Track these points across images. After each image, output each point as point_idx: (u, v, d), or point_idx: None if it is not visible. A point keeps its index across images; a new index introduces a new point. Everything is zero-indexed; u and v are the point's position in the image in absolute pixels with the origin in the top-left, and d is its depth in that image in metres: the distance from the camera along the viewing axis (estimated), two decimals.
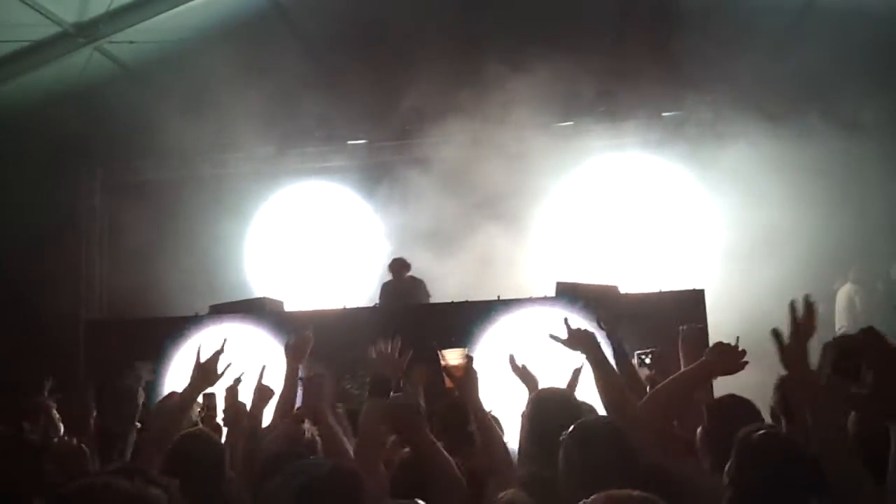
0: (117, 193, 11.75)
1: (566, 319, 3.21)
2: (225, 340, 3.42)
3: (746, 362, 2.91)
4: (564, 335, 3.18)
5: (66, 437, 3.76)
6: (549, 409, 3.03)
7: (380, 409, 3.01)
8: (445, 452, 2.88)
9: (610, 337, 4.01)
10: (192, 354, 3.38)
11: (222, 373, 3.35)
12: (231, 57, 10.01)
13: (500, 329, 7.20)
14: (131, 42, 10.45)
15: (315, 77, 10.93)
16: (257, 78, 10.21)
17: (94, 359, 7.69)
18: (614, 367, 3.23)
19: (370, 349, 3.31)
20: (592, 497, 1.58)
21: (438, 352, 3.35)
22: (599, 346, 3.15)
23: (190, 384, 3.34)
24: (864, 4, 9.35)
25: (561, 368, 4.11)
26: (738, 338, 3.07)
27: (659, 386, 3.10)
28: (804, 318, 2.36)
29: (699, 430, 2.96)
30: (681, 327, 3.95)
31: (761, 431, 2.45)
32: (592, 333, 3.17)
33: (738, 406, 2.94)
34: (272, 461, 3.22)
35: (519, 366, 3.99)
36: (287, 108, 11.02)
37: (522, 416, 3.11)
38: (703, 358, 2.95)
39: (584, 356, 3.14)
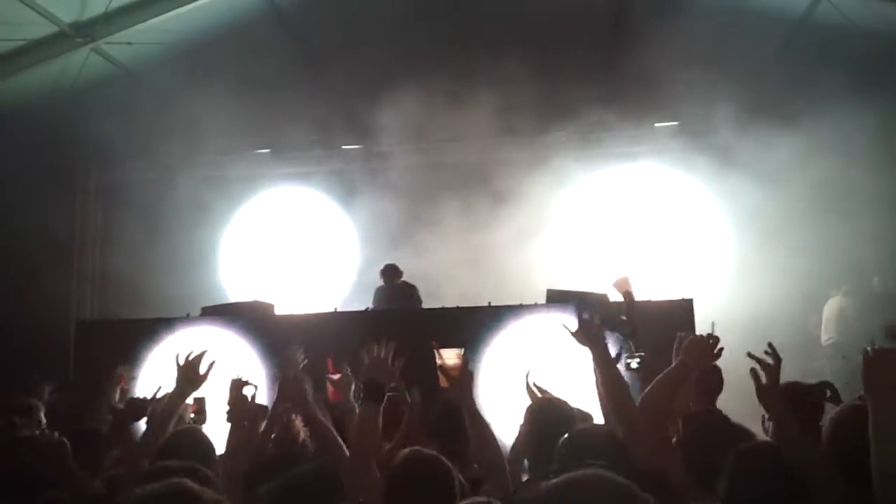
0: (112, 194, 11.76)
1: (579, 311, 3.20)
2: (207, 344, 3.45)
3: (719, 354, 3.01)
4: (574, 327, 3.17)
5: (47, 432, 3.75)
6: (546, 419, 3.08)
7: (375, 413, 3.03)
8: (332, 428, 3.04)
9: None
10: (173, 359, 3.37)
11: (206, 374, 3.35)
12: (226, 60, 10.08)
13: (496, 335, 7.24)
14: (129, 43, 10.48)
15: (309, 81, 10.98)
16: (252, 81, 10.27)
17: (84, 359, 7.68)
18: (616, 367, 3.20)
19: (362, 353, 3.32)
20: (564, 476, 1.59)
21: (436, 351, 3.37)
22: (605, 344, 3.14)
23: (175, 388, 3.34)
24: (858, 19, 9.49)
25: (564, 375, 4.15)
26: (713, 323, 3.20)
27: (645, 392, 3.11)
28: (774, 364, 2.74)
29: (673, 440, 3.01)
30: (678, 334, 3.94)
31: (753, 447, 2.56)
32: (601, 328, 3.15)
33: (712, 419, 3.00)
34: (266, 463, 3.28)
35: (532, 385, 3.99)
36: (281, 112, 11.07)
37: (520, 425, 3.15)
38: (679, 358, 3.01)
39: (589, 352, 3.13)
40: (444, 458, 2.79)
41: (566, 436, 2.59)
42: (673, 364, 3.04)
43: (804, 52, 9.45)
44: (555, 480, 1.53)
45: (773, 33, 10.23)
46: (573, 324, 3.17)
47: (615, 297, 7.14)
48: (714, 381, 3.77)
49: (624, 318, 4.99)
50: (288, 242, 11.83)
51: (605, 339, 3.14)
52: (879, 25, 9.46)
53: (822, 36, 9.45)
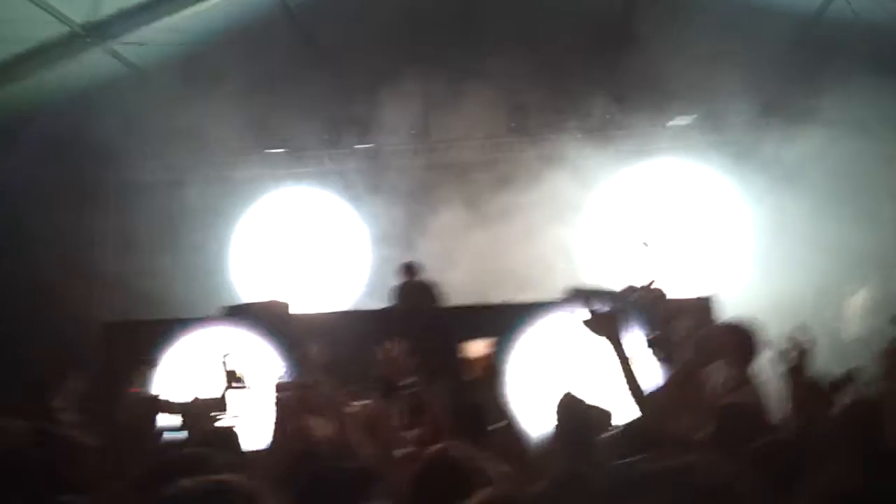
0: (126, 196, 11.78)
1: (590, 304, 3.18)
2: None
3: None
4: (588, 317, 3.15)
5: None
6: (571, 416, 3.09)
7: (386, 410, 3.11)
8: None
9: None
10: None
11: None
12: (239, 60, 10.09)
13: (520, 334, 7.21)
14: (141, 44, 10.48)
15: (320, 81, 10.98)
16: (264, 81, 10.28)
17: (111, 360, 7.70)
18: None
19: (377, 350, 3.31)
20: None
21: (460, 344, 3.34)
22: (619, 333, 3.12)
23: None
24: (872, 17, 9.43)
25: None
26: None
27: (657, 388, 3.17)
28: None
29: (706, 433, 3.02)
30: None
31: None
32: (615, 317, 3.12)
33: (746, 411, 3.02)
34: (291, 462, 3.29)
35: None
36: (292, 111, 11.08)
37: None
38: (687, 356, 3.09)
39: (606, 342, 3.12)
40: (469, 456, 2.79)
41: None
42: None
43: (819, 45, 9.38)
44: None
45: (785, 26, 10.16)
46: (586, 315, 3.13)
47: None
48: (745, 349, 3.82)
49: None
50: (299, 242, 11.83)
51: (618, 327, 3.10)
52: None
53: (842, 29, 9.38)
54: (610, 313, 3.11)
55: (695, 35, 9.56)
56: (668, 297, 6.61)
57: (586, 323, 3.13)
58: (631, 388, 3.02)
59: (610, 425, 4.34)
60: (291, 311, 8.49)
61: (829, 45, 9.39)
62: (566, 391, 4.06)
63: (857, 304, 9.59)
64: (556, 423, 3.17)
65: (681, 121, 11.10)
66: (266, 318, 7.89)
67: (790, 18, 10.13)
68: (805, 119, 10.20)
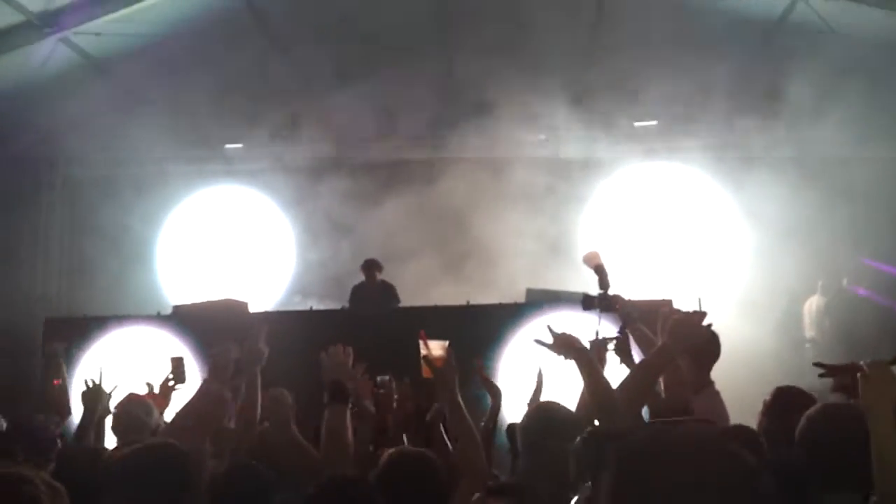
0: (78, 188, 11.49)
1: (549, 325, 3.19)
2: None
3: (708, 328, 3.08)
4: (549, 340, 3.17)
5: None
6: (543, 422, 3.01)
7: (343, 414, 3.02)
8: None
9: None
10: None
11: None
12: (197, 53, 9.90)
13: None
14: (97, 34, 10.23)
15: (284, 76, 10.79)
16: (224, 75, 10.08)
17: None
18: (601, 371, 3.22)
19: (322, 354, 3.23)
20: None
21: (422, 341, 3.28)
22: (586, 350, 3.14)
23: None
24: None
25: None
26: (699, 299, 3.21)
27: (625, 379, 3.13)
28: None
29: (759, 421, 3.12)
30: (661, 311, 3.86)
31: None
32: (577, 338, 3.14)
33: (798, 397, 3.07)
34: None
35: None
36: (253, 106, 10.91)
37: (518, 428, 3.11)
38: (663, 340, 3.02)
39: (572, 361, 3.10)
40: (431, 455, 2.85)
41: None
42: (657, 346, 3.06)
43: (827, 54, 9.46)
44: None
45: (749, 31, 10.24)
46: (549, 338, 3.16)
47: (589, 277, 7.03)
48: (711, 349, 3.75)
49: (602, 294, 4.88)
50: (228, 240, 11.59)
51: (582, 344, 3.13)
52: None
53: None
54: (571, 336, 3.14)
55: (661, 40, 9.64)
56: (629, 299, 6.61)
57: (550, 347, 3.15)
58: (600, 401, 2.97)
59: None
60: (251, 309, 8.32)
61: (793, 50, 9.49)
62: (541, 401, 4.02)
63: (812, 307, 9.77)
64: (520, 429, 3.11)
65: (647, 123, 11.14)
66: (223, 318, 7.69)
67: (754, 24, 10.21)
68: (767, 124, 10.32)
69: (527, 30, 9.75)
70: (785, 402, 3.15)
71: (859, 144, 10.00)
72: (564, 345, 3.13)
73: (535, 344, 3.20)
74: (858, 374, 2.25)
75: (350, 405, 3.23)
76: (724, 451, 1.42)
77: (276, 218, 11.73)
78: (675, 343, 2.97)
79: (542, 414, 3.08)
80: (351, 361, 3.29)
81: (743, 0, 9.71)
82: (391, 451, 2.94)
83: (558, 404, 3.12)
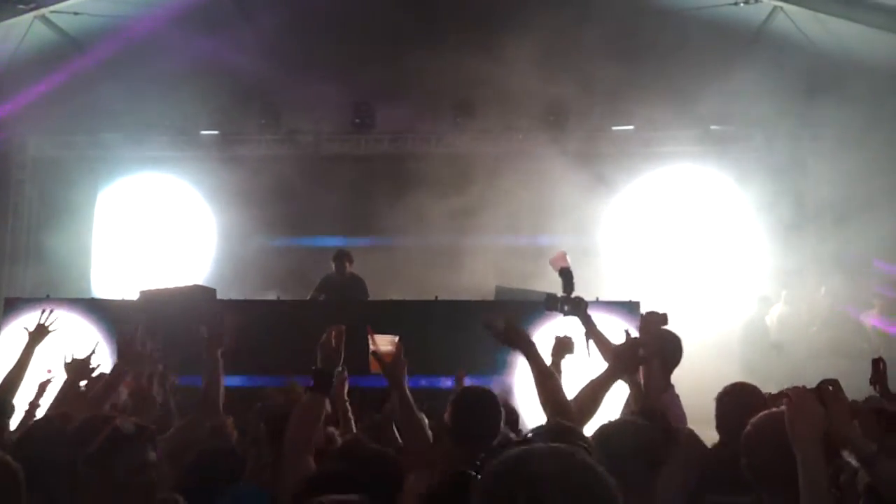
0: (49, 169, 11.34)
1: (495, 318, 3.22)
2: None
3: (643, 361, 3.36)
4: (499, 331, 3.20)
5: None
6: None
7: (320, 404, 2.99)
8: None
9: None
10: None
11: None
12: (176, 36, 9.80)
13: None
14: (75, 13, 10.12)
15: (265, 65, 10.70)
16: (201, 59, 10.00)
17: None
18: (548, 365, 3.28)
19: (321, 341, 3.09)
20: None
21: (370, 335, 3.26)
22: (533, 344, 3.16)
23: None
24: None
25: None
26: (665, 315, 3.69)
27: (579, 392, 3.19)
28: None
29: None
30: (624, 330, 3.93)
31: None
32: (525, 332, 3.21)
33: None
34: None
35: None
36: (233, 93, 10.82)
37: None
38: (609, 365, 3.26)
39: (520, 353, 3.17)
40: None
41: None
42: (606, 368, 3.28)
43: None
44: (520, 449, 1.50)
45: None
46: (496, 330, 3.22)
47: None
48: (675, 355, 3.93)
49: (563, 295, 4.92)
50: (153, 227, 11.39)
51: (529, 339, 3.20)
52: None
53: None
54: (521, 330, 3.22)
55: (639, 46, 9.70)
56: (595, 300, 6.66)
57: (498, 338, 3.20)
58: (545, 391, 3.04)
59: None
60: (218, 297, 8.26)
61: (770, 61, 9.58)
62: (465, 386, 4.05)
63: (775, 313, 9.92)
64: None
65: (625, 127, 11.19)
66: (191, 304, 7.63)
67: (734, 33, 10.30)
68: (743, 133, 10.43)
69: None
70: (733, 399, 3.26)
71: None
72: (514, 336, 3.17)
73: (483, 328, 3.24)
74: (784, 401, 2.21)
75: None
76: (587, 470, 1.42)
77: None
78: (619, 367, 3.25)
79: None
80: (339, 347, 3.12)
81: None
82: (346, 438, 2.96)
83: None
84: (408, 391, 3.18)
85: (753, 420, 2.52)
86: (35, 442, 2.79)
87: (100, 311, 7.49)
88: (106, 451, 2.40)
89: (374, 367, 3.28)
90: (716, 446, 3.31)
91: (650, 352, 3.45)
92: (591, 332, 4.22)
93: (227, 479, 3.06)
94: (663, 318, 3.83)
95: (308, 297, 8.59)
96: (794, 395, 2.19)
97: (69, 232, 10.57)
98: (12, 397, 3.83)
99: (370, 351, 3.29)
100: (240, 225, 10.65)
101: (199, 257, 11.09)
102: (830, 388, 2.26)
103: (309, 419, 2.97)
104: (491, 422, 3.02)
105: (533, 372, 3.12)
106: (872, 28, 9.29)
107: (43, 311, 4.23)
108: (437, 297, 7.72)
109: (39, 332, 4.12)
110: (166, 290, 8.33)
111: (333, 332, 3.07)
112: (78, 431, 2.55)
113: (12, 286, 10.41)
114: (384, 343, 3.27)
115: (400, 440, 3.61)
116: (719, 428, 3.31)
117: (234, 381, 6.94)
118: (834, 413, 2.20)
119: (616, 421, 2.88)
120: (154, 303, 7.69)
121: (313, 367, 3.01)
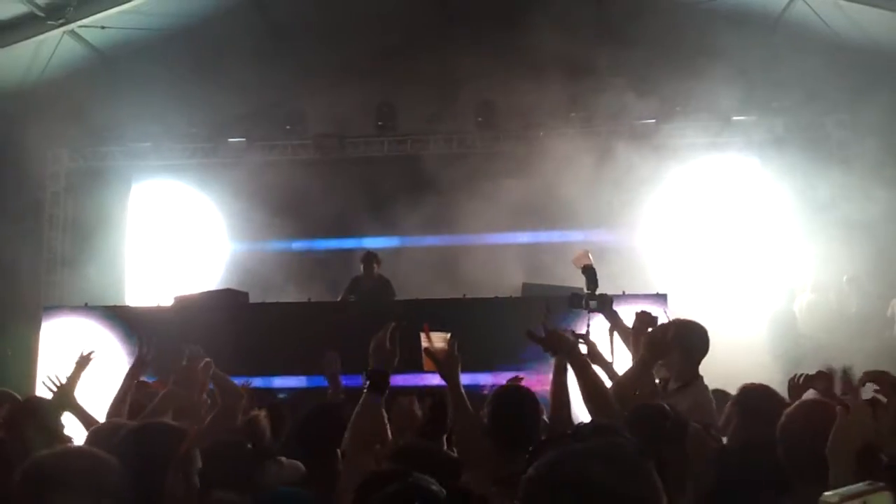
0: (83, 179, 11.57)
1: (544, 322, 3.23)
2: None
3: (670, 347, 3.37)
4: (542, 335, 3.20)
5: None
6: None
7: (377, 405, 2.91)
8: None
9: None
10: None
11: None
12: (202, 47, 9.96)
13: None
14: (103, 27, 10.33)
15: (289, 71, 10.88)
16: (228, 70, 10.17)
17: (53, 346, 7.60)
18: (595, 370, 3.28)
19: (372, 341, 2.99)
20: None
21: (424, 333, 3.20)
22: (578, 349, 3.19)
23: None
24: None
25: None
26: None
27: (614, 385, 3.25)
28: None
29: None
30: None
31: None
32: (568, 337, 3.22)
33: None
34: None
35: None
36: (260, 100, 10.98)
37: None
38: (641, 353, 3.30)
39: (563, 357, 3.18)
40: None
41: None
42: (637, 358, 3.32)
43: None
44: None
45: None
46: (542, 332, 3.20)
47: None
48: (700, 345, 3.86)
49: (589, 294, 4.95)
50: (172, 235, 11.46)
51: (574, 343, 3.23)
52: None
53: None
54: (563, 334, 3.23)
55: (660, 39, 9.71)
56: (621, 294, 6.70)
57: (541, 343, 3.20)
58: (594, 399, 3.04)
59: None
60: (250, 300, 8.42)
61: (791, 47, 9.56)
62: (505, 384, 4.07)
63: (804, 300, 9.86)
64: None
65: (647, 120, 11.17)
66: (224, 308, 7.80)
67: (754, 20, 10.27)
68: (764, 122, 10.39)
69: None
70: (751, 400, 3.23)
71: None
72: (556, 342, 3.18)
73: (526, 337, 3.23)
74: (838, 407, 2.10)
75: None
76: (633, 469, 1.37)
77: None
78: (654, 353, 3.26)
79: None
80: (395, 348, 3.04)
81: None
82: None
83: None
84: (461, 388, 3.15)
85: (788, 410, 2.56)
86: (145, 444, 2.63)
87: (132, 318, 7.62)
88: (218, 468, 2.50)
89: (428, 364, 3.22)
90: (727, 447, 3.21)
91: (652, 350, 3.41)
92: (617, 327, 4.27)
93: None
94: (649, 316, 3.71)
95: (339, 299, 8.72)
96: (852, 407, 2.07)
97: (103, 241, 10.77)
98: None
99: (423, 349, 3.23)
100: (267, 228, 10.79)
101: (227, 262, 11.24)
102: (884, 399, 2.06)
103: (367, 420, 2.90)
104: (531, 422, 3.00)
105: (576, 373, 3.12)
106: (893, 13, 9.24)
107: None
108: (465, 296, 7.83)
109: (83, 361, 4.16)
110: (199, 294, 8.53)
111: (388, 332, 2.98)
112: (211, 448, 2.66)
113: (50, 294, 10.67)
114: (437, 340, 3.23)
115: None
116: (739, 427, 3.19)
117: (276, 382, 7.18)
118: (884, 428, 2.00)
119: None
120: (188, 308, 7.88)
121: (367, 369, 2.94)
